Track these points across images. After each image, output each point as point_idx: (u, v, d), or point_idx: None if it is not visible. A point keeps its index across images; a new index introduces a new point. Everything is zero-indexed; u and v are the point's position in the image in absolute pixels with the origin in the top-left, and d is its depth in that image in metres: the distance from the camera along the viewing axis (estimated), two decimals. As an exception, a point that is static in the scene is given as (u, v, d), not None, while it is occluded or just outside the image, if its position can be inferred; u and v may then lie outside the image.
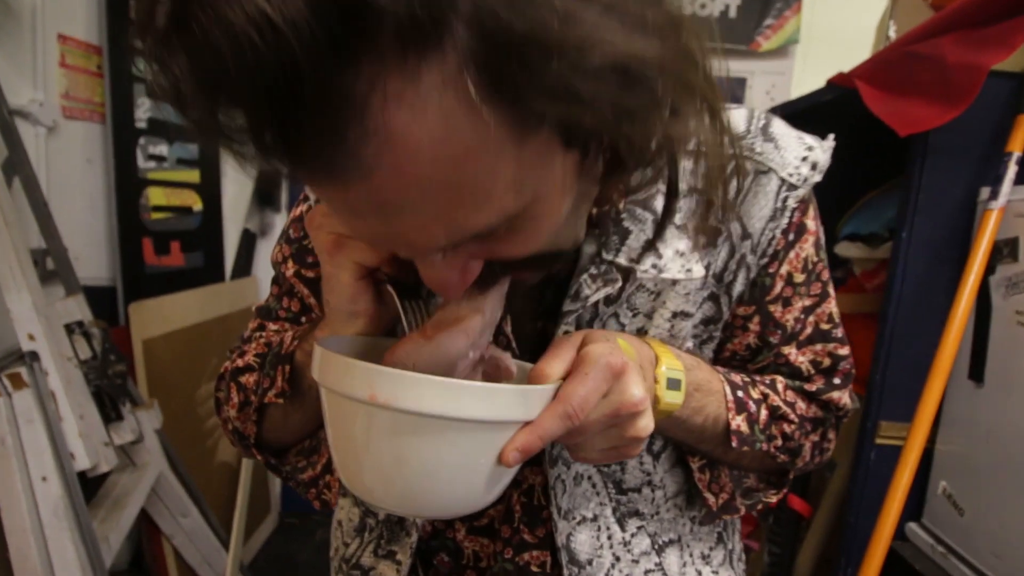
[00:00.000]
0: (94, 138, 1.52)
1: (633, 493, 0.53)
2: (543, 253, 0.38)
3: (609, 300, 0.48)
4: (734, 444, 0.49)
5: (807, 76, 2.04)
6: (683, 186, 0.46)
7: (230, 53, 0.23)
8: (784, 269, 0.49)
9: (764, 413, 0.50)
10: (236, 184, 2.04)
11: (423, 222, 0.31)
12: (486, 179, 0.30)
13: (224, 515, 1.91)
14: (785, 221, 0.48)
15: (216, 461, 1.91)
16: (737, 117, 0.48)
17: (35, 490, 1.02)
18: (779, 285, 0.50)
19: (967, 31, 1.15)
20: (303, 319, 0.58)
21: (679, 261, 0.46)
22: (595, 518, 0.52)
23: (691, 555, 0.56)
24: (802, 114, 1.86)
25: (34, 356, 1.04)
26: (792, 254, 0.49)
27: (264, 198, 2.22)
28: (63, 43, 1.41)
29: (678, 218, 0.47)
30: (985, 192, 1.15)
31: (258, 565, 2.09)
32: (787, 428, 0.52)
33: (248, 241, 2.20)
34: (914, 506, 1.26)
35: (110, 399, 1.22)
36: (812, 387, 0.53)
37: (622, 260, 0.45)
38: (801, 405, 0.53)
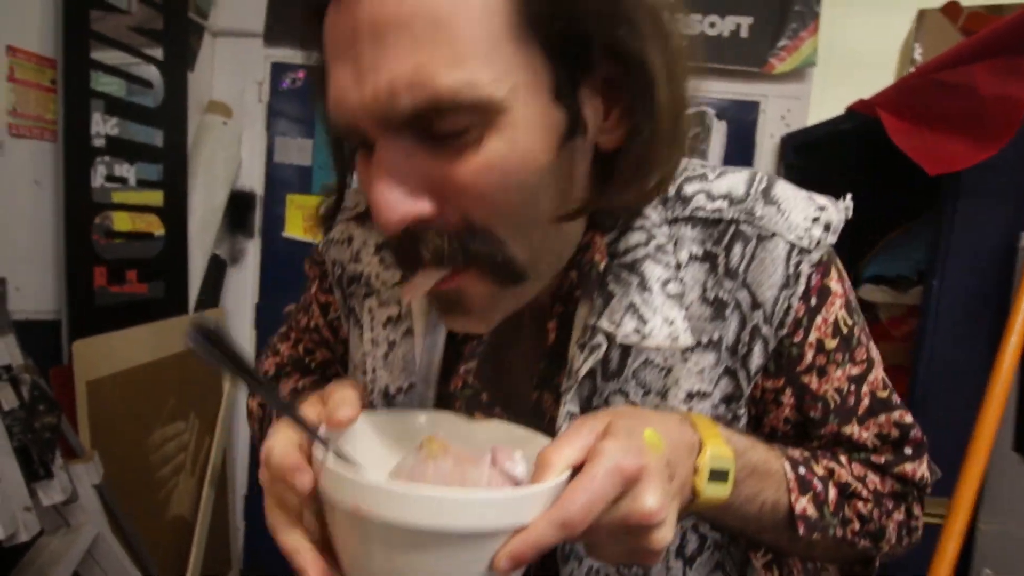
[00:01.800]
0: (44, 158, 1.46)
1: None
2: (501, 245, 0.39)
3: (609, 374, 0.47)
4: (801, 532, 0.46)
5: (825, 101, 2.00)
6: (684, 254, 0.47)
7: None
8: (812, 337, 0.48)
9: (833, 492, 0.48)
10: (205, 206, 1.99)
11: (399, 54, 0.34)
12: (472, 42, 0.34)
13: (176, 575, 1.82)
14: (801, 288, 0.47)
15: (169, 515, 1.82)
16: (736, 181, 0.49)
17: (-62, 565, 0.94)
18: (809, 354, 0.48)
19: (1003, 59, 1.10)
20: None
21: (667, 329, 0.45)
22: None
23: None
24: (820, 142, 1.82)
25: (-55, 409, 0.97)
26: (819, 320, 0.48)
27: (236, 222, 2.16)
28: (12, 55, 1.36)
29: (672, 287, 0.46)
30: (1027, 237, 1.10)
31: (213, 631, 1.98)
32: (862, 508, 0.49)
33: (217, 269, 2.14)
34: (952, 593, 1.17)
35: (38, 455, 1.14)
36: (880, 459, 0.51)
37: (604, 324, 0.45)
38: (873, 479, 0.51)
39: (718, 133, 2.06)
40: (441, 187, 0.38)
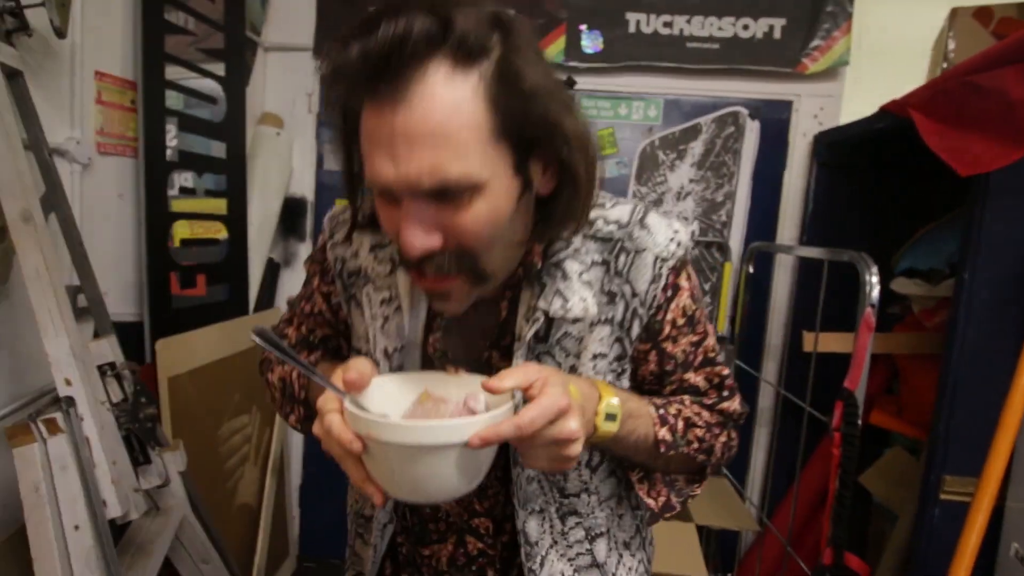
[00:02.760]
0: (126, 172, 1.61)
1: (573, 497, 0.74)
2: (478, 263, 0.60)
3: (538, 338, 0.68)
4: (662, 450, 0.68)
5: (858, 99, 2.05)
6: (589, 260, 0.69)
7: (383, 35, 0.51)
8: (669, 316, 0.71)
9: (681, 423, 0.71)
10: (261, 213, 2.13)
11: (423, 154, 0.53)
12: (468, 146, 0.54)
13: (242, 558, 1.96)
14: (662, 283, 0.70)
15: (236, 503, 1.96)
16: (623, 212, 0.70)
17: (67, 539, 1.07)
18: (667, 328, 0.72)
19: (1032, 63, 1.17)
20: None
21: (581, 304, 0.67)
22: (542, 511, 0.73)
23: (616, 543, 0.78)
24: (853, 140, 1.88)
25: (70, 401, 1.10)
26: (673, 305, 0.71)
27: (289, 227, 2.30)
28: (100, 80, 1.50)
29: (585, 276, 0.68)
30: (1055, 233, 1.16)
31: (277, 612, 2.13)
32: (699, 432, 0.72)
33: (272, 271, 2.28)
34: (984, 569, 1.24)
35: (139, 442, 1.28)
36: (709, 400, 0.75)
37: (541, 304, 0.67)
38: (705, 414, 0.74)
39: (751, 132, 2.13)
40: (445, 229, 0.57)
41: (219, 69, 1.89)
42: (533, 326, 0.66)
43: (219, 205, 1.94)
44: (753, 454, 2.23)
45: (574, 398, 0.56)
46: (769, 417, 2.18)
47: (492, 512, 0.76)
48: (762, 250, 2.06)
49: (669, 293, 0.70)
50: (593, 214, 0.69)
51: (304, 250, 2.34)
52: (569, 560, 0.75)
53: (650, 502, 0.74)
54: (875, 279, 1.34)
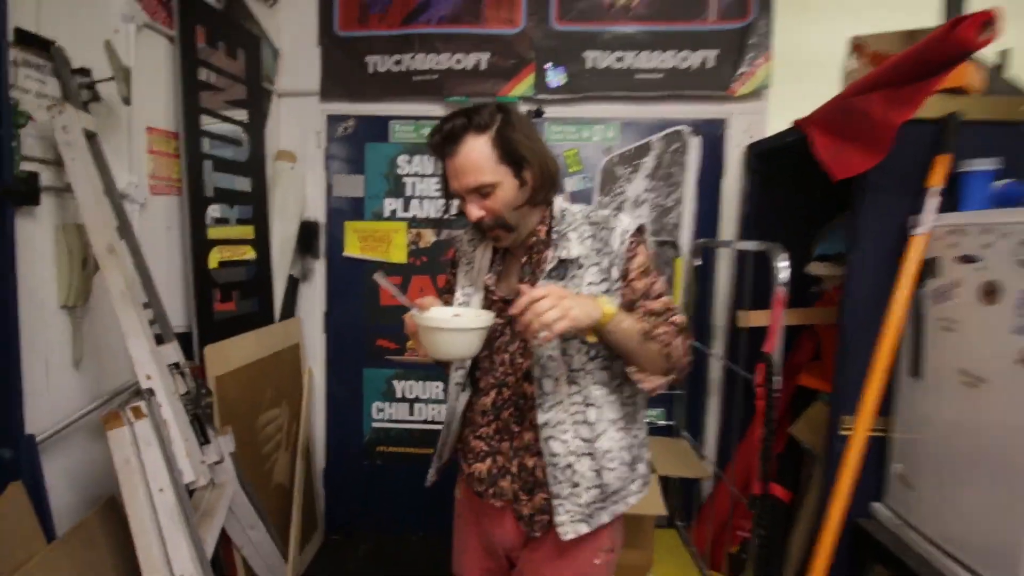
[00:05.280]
0: (172, 208, 1.81)
1: (575, 372, 1.10)
2: (505, 221, 1.09)
3: (551, 275, 1.09)
4: (643, 335, 1.01)
5: (781, 114, 2.28)
6: (589, 232, 1.12)
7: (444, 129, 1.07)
8: (632, 265, 1.09)
9: (649, 323, 1.04)
10: (281, 236, 2.33)
11: (468, 176, 1.06)
12: (487, 168, 1.05)
13: (279, 531, 2.16)
14: (625, 247, 1.08)
15: (272, 483, 2.16)
16: (605, 211, 1.13)
17: (154, 500, 1.28)
18: (632, 272, 1.09)
19: (891, 90, 1.40)
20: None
21: (577, 249, 1.09)
22: (556, 378, 1.09)
23: (603, 415, 1.11)
24: (775, 150, 2.11)
25: (151, 392, 1.31)
26: (634, 263, 1.09)
27: (305, 247, 2.50)
28: (150, 134, 1.71)
29: (583, 240, 1.10)
30: (913, 220, 1.39)
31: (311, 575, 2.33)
32: (661, 330, 1.04)
33: (293, 285, 2.48)
34: (876, 487, 1.46)
35: (201, 426, 1.49)
36: (663, 317, 1.07)
37: (555, 253, 1.10)
38: (663, 325, 1.05)
39: (694, 147, 2.36)
40: (485, 207, 1.07)
41: (242, 116, 2.11)
42: (551, 263, 1.08)
43: (246, 231, 2.14)
44: (707, 418, 2.46)
45: (561, 291, 0.94)
46: (719, 386, 2.41)
47: (516, 374, 1.15)
48: (706, 245, 2.29)
49: (631, 251, 1.08)
50: (588, 209, 1.14)
51: (319, 266, 2.55)
52: (568, 413, 1.09)
53: (643, 384, 1.06)
54: (784, 264, 1.56)
